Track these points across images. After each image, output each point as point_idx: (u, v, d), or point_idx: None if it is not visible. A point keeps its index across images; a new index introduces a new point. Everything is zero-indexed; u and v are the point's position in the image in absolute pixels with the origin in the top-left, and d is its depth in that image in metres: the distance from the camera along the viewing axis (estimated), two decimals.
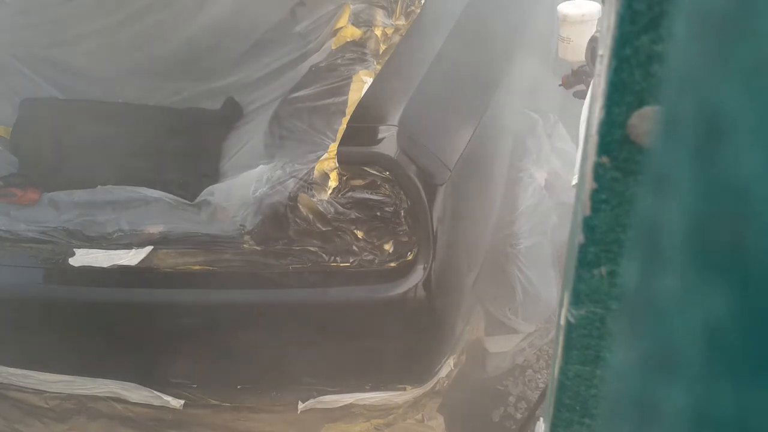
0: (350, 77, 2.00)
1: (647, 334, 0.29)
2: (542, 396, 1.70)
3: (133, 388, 2.15)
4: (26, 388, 2.23)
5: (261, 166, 1.95)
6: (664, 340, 0.27)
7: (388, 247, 1.80)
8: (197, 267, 1.89)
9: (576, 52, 1.96)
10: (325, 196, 1.78)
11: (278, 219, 1.81)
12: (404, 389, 2.04)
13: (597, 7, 1.95)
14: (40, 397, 2.24)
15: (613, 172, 0.45)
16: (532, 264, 2.29)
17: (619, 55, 0.41)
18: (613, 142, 0.44)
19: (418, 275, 1.79)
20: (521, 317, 2.34)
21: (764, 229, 0.22)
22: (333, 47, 2.17)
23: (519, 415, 2.46)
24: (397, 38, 2.17)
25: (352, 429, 2.16)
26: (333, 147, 1.81)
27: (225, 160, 2.37)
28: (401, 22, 2.22)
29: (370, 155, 1.76)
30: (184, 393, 2.14)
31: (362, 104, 1.90)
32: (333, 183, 1.78)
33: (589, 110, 0.54)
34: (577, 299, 0.53)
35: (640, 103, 0.42)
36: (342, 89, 1.98)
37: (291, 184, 1.80)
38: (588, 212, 0.48)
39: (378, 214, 1.76)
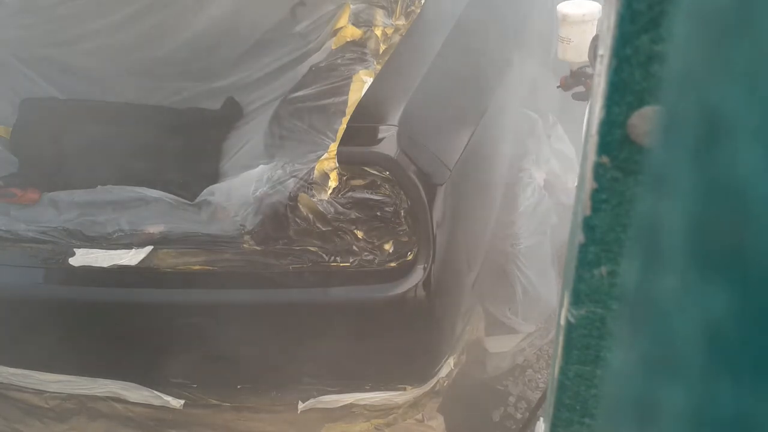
0: (350, 77, 2.00)
1: (647, 334, 0.29)
2: (543, 397, 1.70)
3: (133, 388, 2.14)
4: (26, 388, 2.23)
5: (261, 166, 1.95)
6: (664, 340, 0.27)
7: (388, 247, 1.80)
8: (197, 267, 1.89)
9: (576, 52, 1.95)
10: (325, 196, 1.78)
11: (278, 219, 1.81)
12: (404, 389, 2.04)
13: (597, 7, 1.94)
14: (40, 397, 2.24)
15: (613, 172, 0.46)
16: (532, 264, 2.30)
17: (619, 54, 0.41)
18: (613, 142, 0.44)
19: (418, 275, 1.79)
20: (521, 317, 2.34)
21: (764, 229, 0.22)
22: (333, 47, 2.17)
23: (519, 415, 2.46)
24: (397, 38, 2.17)
25: (352, 429, 2.15)
26: (333, 147, 1.81)
27: (225, 160, 2.37)
28: (401, 22, 2.21)
29: (370, 155, 1.76)
30: (184, 393, 2.14)
31: (362, 104, 1.90)
32: (333, 183, 1.77)
33: (589, 110, 0.54)
34: (577, 299, 0.53)
35: (641, 103, 0.42)
36: (342, 89, 1.97)
37: (291, 183, 1.80)
38: (588, 212, 0.48)
39: (378, 214, 1.76)
